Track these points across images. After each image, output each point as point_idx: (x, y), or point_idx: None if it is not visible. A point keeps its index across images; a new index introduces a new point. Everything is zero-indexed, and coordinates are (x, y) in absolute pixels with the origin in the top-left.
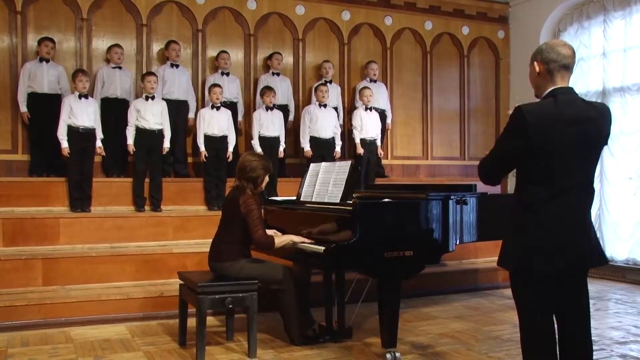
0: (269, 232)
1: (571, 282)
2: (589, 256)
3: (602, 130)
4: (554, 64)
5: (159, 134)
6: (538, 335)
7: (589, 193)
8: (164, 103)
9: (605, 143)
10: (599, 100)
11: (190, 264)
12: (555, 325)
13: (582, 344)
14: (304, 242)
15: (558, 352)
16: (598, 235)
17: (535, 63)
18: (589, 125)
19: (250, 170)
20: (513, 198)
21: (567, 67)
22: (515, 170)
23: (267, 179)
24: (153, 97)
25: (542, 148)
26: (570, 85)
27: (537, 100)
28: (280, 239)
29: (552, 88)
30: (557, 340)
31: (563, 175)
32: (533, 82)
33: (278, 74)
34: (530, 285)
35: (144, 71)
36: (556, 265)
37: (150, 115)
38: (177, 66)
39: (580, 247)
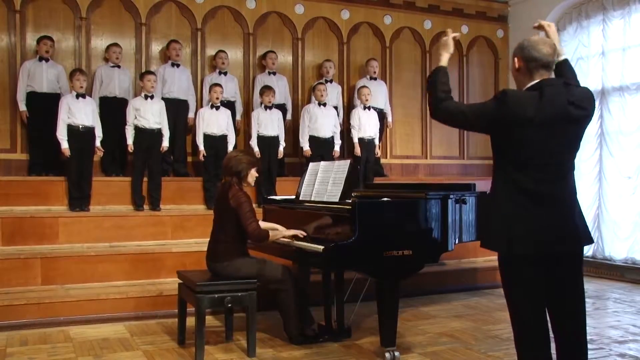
0: (273, 225)
1: (561, 273)
2: (569, 238)
3: (583, 126)
4: (533, 62)
5: (158, 133)
6: (527, 326)
7: (568, 179)
8: (163, 102)
9: (586, 126)
10: (598, 100)
11: (189, 263)
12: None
13: (576, 342)
14: (296, 236)
15: (555, 346)
16: (597, 235)
17: (516, 59)
18: (570, 125)
19: (233, 165)
20: (492, 185)
21: (547, 66)
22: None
23: (253, 172)
24: (152, 97)
25: (517, 137)
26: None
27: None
28: (274, 233)
29: (539, 80)
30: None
31: (539, 164)
32: (514, 78)
33: (274, 73)
34: (515, 272)
35: (143, 70)
36: (537, 250)
37: (150, 114)
38: (177, 65)
39: (560, 230)
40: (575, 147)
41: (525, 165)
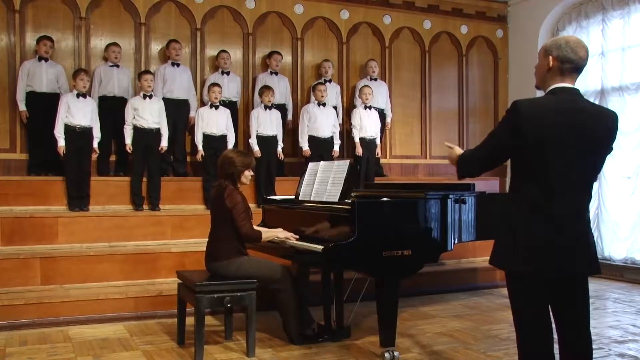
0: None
1: (568, 289)
2: (580, 262)
3: (598, 133)
4: (568, 64)
5: (157, 133)
6: (534, 340)
7: (585, 197)
8: (162, 102)
9: (605, 149)
10: (597, 100)
11: (189, 263)
12: (555, 332)
13: (581, 353)
14: (289, 239)
15: (559, 354)
16: (596, 235)
17: (551, 58)
18: (584, 127)
19: (226, 167)
20: (508, 196)
21: (579, 70)
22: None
23: (247, 173)
24: (151, 96)
25: (535, 146)
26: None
27: (536, 92)
28: (267, 234)
29: (555, 86)
30: (555, 346)
31: (557, 176)
32: (540, 74)
33: (276, 73)
34: (523, 288)
35: (143, 70)
36: (545, 269)
37: (148, 114)
38: (178, 65)
39: (571, 252)
40: (591, 162)
41: (539, 177)
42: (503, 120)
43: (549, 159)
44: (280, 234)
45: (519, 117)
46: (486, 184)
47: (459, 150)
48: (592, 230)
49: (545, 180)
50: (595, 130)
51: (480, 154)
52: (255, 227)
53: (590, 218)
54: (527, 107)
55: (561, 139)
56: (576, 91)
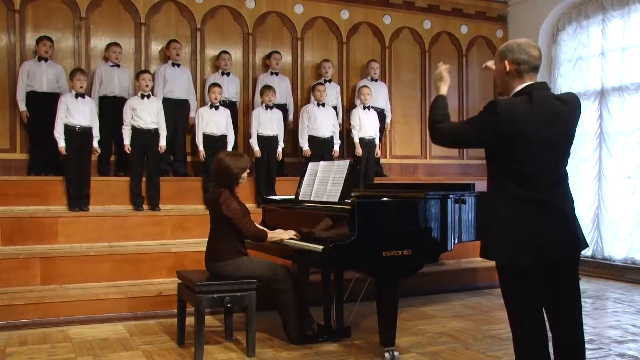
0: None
1: (560, 276)
2: (572, 245)
3: (572, 127)
4: (524, 65)
5: (155, 133)
6: (529, 332)
7: (565, 182)
8: (160, 102)
9: (574, 134)
10: (597, 100)
11: (189, 263)
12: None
13: (574, 341)
14: (292, 239)
15: (553, 346)
16: (596, 235)
17: (506, 62)
18: (561, 125)
19: (225, 176)
20: (489, 194)
21: (536, 69)
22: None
23: (244, 175)
24: (149, 96)
25: (517, 145)
26: (553, 84)
27: (502, 97)
28: (272, 235)
29: (526, 84)
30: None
31: (539, 170)
32: (500, 80)
33: (277, 74)
34: (517, 281)
35: (141, 70)
36: (540, 259)
37: (146, 114)
38: (178, 65)
39: (561, 238)
40: (567, 151)
41: (522, 173)
42: (483, 117)
43: (530, 156)
44: (284, 235)
45: (500, 119)
46: (485, 184)
47: (447, 79)
48: (590, 227)
49: (527, 175)
50: (570, 121)
51: (461, 133)
52: (259, 227)
53: (574, 209)
54: (507, 109)
55: (542, 137)
56: (547, 86)
